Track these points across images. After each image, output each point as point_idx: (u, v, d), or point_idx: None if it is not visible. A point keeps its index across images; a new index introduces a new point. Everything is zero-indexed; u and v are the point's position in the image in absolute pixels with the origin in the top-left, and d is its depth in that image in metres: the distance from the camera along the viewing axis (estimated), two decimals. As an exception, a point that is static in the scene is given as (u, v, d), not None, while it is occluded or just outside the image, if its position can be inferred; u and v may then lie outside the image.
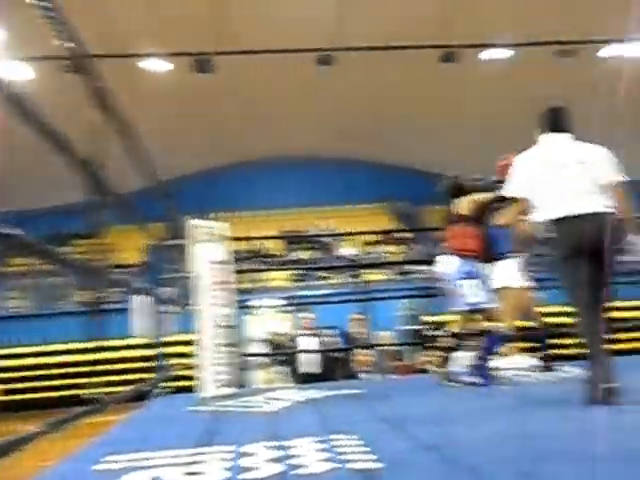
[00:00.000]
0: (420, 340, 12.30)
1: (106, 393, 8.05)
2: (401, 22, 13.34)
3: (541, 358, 4.88)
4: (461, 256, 4.54)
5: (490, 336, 4.39)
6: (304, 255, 17.43)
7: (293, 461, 2.13)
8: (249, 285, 15.74)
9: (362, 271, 15.23)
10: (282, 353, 8.24)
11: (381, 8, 13.55)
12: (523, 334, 5.19)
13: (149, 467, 2.23)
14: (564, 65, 14.18)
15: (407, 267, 16.30)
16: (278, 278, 16.19)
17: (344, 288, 14.72)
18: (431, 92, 16.64)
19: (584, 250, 3.23)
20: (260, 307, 16.09)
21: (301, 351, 6.98)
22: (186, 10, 12.94)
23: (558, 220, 3.28)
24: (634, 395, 2.90)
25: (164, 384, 5.00)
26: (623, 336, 9.89)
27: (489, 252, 4.58)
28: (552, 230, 3.33)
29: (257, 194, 20.00)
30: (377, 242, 17.12)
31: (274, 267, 16.60)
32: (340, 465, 2.03)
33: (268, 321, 21.80)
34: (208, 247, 4.56)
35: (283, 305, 14.98)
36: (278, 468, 2.06)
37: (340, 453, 2.20)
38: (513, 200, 3.50)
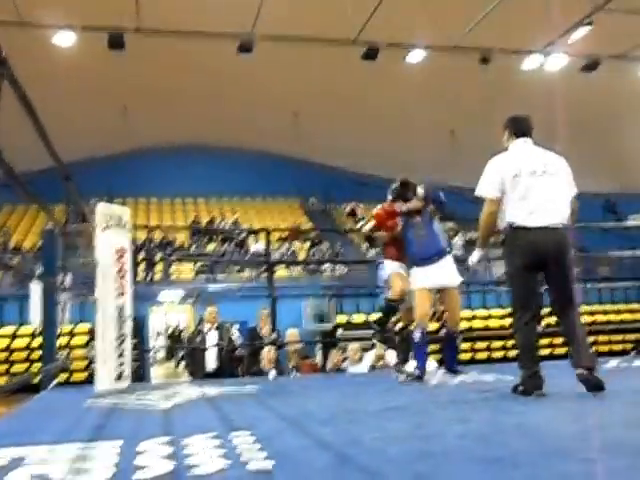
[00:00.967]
0: (329, 339, 12.44)
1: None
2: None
3: (440, 361, 5.05)
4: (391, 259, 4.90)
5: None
6: (210, 247, 17.14)
7: (186, 459, 2.08)
8: (154, 276, 15.32)
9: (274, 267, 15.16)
10: (182, 347, 8.06)
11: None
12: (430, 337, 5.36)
13: (32, 463, 2.12)
14: (484, 72, 14.59)
15: (313, 265, 16.40)
16: (183, 270, 15.85)
17: (251, 283, 14.62)
18: (351, 91, 16.71)
19: (542, 263, 3.39)
20: (162, 299, 15.69)
21: (201, 346, 6.85)
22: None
23: (522, 228, 3.40)
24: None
25: (57, 376, 4.77)
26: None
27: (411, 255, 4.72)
28: (513, 237, 3.45)
29: (165, 181, 19.41)
30: (284, 239, 17.08)
31: (179, 258, 16.20)
32: (230, 462, 2.00)
33: (170, 314, 21.35)
34: (112, 233, 4.38)
35: (185, 298, 14.66)
36: (169, 466, 2.01)
37: (233, 451, 2.17)
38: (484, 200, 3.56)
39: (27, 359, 11.54)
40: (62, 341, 4.65)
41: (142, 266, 14.34)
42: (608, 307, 15.11)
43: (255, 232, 17.01)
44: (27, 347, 11.80)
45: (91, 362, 4.25)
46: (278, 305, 5.94)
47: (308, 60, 14.80)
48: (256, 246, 16.17)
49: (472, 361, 11.39)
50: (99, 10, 11.92)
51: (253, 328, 7.57)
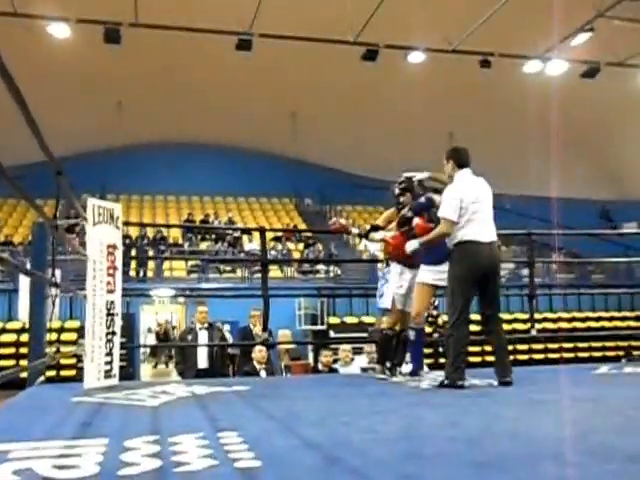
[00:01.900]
0: (322, 340, 12.43)
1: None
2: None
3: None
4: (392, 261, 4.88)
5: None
6: (203, 245, 17.07)
7: (172, 457, 2.06)
8: (145, 273, 15.27)
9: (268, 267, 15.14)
10: (172, 346, 8.01)
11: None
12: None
13: (17, 458, 2.09)
14: (484, 75, 14.56)
15: (307, 266, 16.37)
16: (176, 268, 15.80)
17: (244, 283, 14.58)
18: (349, 92, 16.66)
19: (484, 275, 4.00)
20: (154, 297, 15.61)
21: (191, 345, 6.81)
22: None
23: (472, 242, 3.99)
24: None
25: (44, 372, 4.72)
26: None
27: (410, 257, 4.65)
28: (463, 249, 4.00)
29: (159, 178, 19.29)
30: (278, 238, 17.05)
31: (172, 256, 16.14)
32: (216, 462, 1.98)
33: (161, 312, 21.24)
34: (104, 229, 4.34)
35: (176, 296, 14.58)
36: (156, 464, 1.99)
37: (220, 450, 2.15)
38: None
39: (15, 355, 11.44)
40: (51, 337, 4.60)
41: (134, 264, 14.31)
42: (602, 314, 15.26)
43: (249, 231, 16.97)
44: (15, 343, 11.71)
45: (80, 359, 4.20)
46: (271, 305, 5.92)
47: (307, 60, 14.77)
48: (250, 245, 16.13)
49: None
50: (96, 3, 11.85)
51: (246, 327, 7.53)
